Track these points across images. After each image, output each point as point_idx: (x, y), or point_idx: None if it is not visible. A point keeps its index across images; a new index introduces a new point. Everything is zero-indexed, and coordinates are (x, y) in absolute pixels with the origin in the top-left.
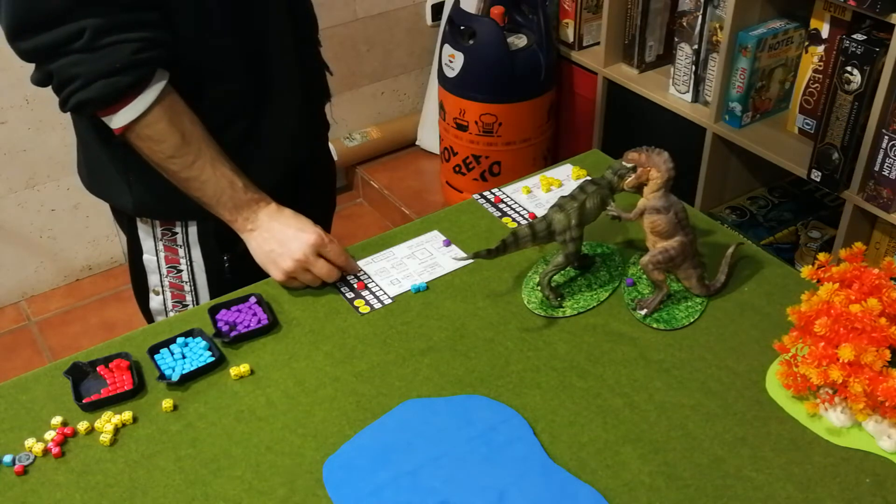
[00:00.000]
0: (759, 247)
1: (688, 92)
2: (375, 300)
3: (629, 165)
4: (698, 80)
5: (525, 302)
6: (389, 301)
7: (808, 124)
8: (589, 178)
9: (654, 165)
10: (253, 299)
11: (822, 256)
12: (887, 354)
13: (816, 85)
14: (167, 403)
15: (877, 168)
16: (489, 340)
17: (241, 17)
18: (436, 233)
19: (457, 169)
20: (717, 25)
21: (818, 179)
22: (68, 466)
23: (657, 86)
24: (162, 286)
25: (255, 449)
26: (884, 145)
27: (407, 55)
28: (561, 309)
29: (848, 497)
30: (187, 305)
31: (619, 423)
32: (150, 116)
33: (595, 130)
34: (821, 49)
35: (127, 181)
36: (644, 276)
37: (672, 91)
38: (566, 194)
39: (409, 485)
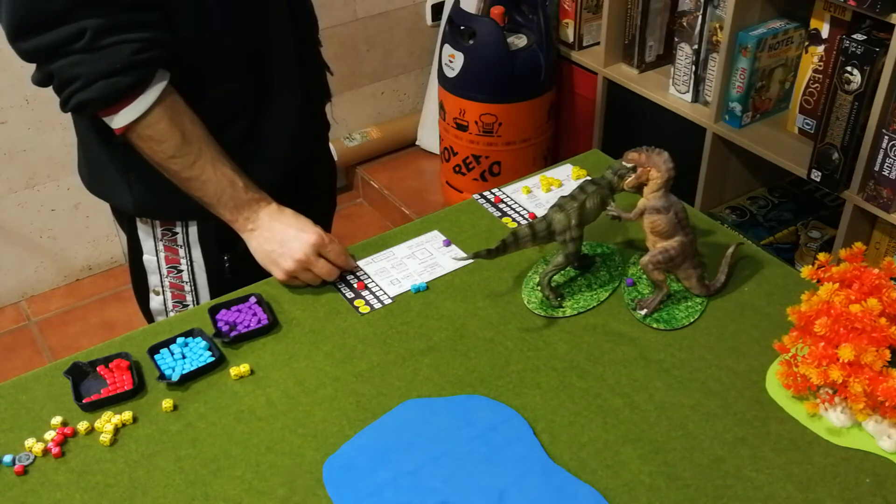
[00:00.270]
0: (759, 247)
1: (688, 92)
2: (375, 300)
3: (629, 165)
4: (698, 80)
5: (525, 302)
6: (389, 301)
7: (808, 124)
8: (589, 178)
9: (654, 165)
10: (253, 299)
11: (822, 256)
12: (887, 354)
13: (816, 85)
14: (167, 403)
15: (877, 168)
16: (489, 340)
17: (241, 17)
18: (436, 233)
19: (457, 169)
20: (717, 25)
21: (818, 179)
22: (68, 466)
23: (657, 86)
24: (162, 286)
25: (255, 449)
26: (884, 145)
27: (407, 55)
28: (561, 309)
29: (848, 497)
30: (187, 305)
31: (619, 423)
32: (151, 117)
33: (595, 130)
34: (821, 49)
35: (127, 181)
36: (644, 276)
37: (672, 91)
38: (566, 194)
39: (409, 485)
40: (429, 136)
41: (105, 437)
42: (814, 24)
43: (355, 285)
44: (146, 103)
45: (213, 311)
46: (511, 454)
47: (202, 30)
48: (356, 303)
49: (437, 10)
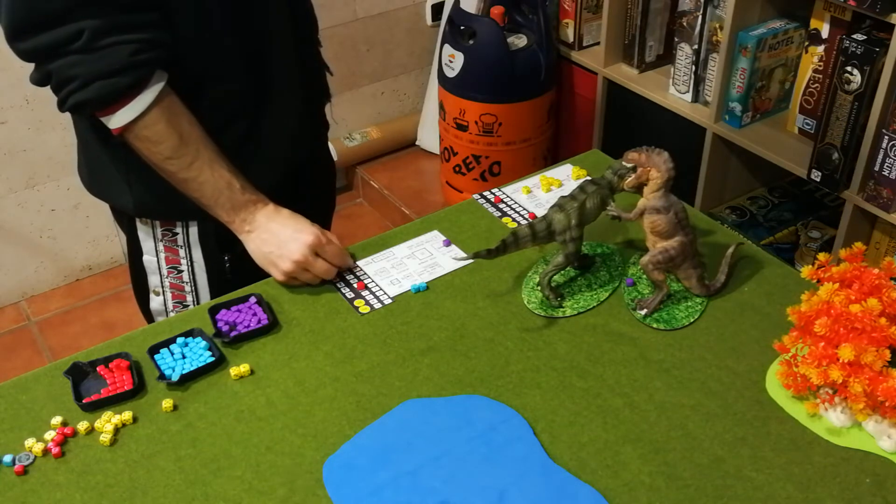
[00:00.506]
0: (759, 247)
1: (688, 92)
2: (375, 300)
3: (629, 165)
4: (698, 80)
5: (525, 302)
6: (389, 301)
7: (808, 124)
8: (589, 178)
9: (654, 165)
10: (253, 299)
11: (822, 256)
12: (887, 354)
13: (816, 85)
14: (167, 403)
15: (877, 168)
16: (489, 340)
17: (241, 17)
18: (436, 233)
19: (457, 169)
20: (717, 25)
21: (818, 179)
22: (68, 466)
23: (657, 86)
24: (162, 287)
25: (255, 449)
26: (884, 145)
27: (407, 55)
28: (561, 309)
29: (848, 497)
30: (188, 306)
31: (619, 423)
32: (148, 117)
33: (595, 130)
34: (821, 49)
35: (127, 181)
36: (644, 276)
37: (672, 91)
38: (566, 194)
39: (409, 485)
40: (429, 136)
41: (105, 437)
42: (814, 24)
43: (355, 285)
44: (143, 104)
45: (213, 311)
46: (511, 454)
47: (202, 30)
48: (356, 303)
49: (437, 10)
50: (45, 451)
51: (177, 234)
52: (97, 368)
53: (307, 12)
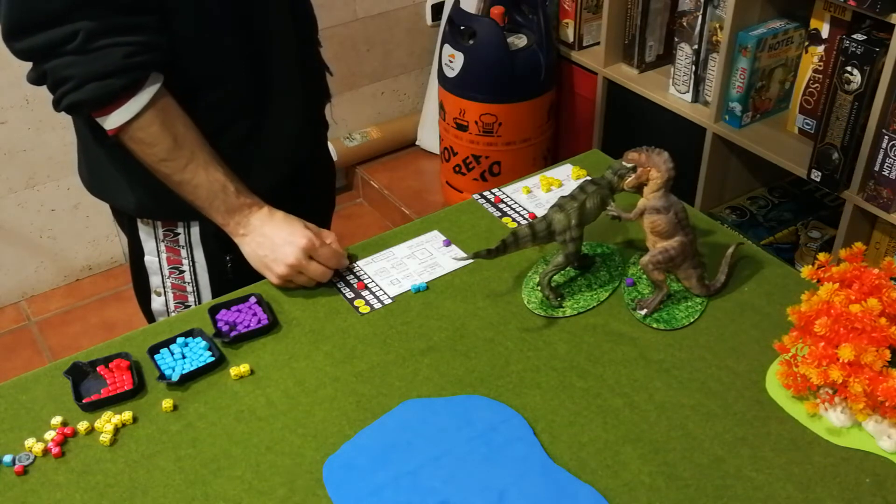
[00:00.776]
0: (759, 247)
1: (688, 92)
2: (375, 300)
3: (629, 165)
4: (698, 80)
5: (525, 302)
6: (389, 301)
7: (808, 124)
8: (589, 178)
9: (654, 165)
10: (253, 299)
11: (822, 256)
12: (887, 354)
13: (816, 85)
14: (167, 403)
15: (877, 168)
16: (489, 340)
17: (241, 17)
18: (436, 233)
19: (457, 169)
20: (717, 25)
21: (818, 179)
22: (68, 466)
23: (657, 86)
24: (164, 287)
25: (255, 449)
26: (884, 145)
27: (407, 55)
28: (561, 309)
29: (848, 497)
30: (189, 306)
31: (619, 423)
32: (143, 119)
33: (595, 130)
34: (821, 49)
35: (129, 182)
36: (644, 276)
37: (672, 91)
38: (566, 194)
39: (409, 485)
40: (429, 136)
41: (105, 437)
42: (814, 24)
43: (355, 285)
44: (138, 106)
45: (213, 311)
46: (511, 454)
47: (202, 30)
48: (356, 303)
49: (437, 10)
50: (45, 451)
51: (178, 234)
52: (97, 368)
53: (307, 12)
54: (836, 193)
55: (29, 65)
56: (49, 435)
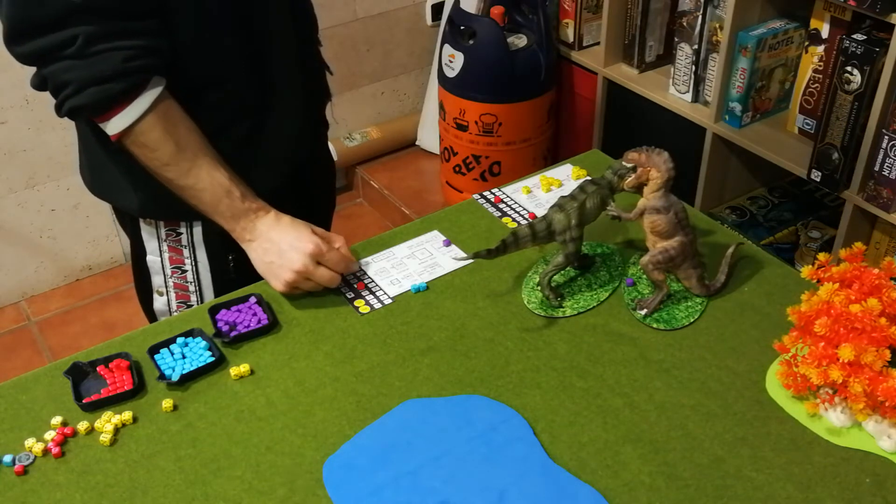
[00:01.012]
0: (759, 247)
1: (688, 92)
2: (375, 300)
3: (629, 165)
4: (698, 80)
5: (525, 302)
6: (389, 301)
7: (808, 124)
8: (589, 178)
9: (654, 165)
10: (253, 299)
11: (822, 256)
12: (887, 354)
13: (816, 85)
14: (167, 403)
15: (877, 168)
16: (489, 340)
17: (241, 18)
18: (436, 233)
19: (457, 169)
20: (717, 25)
21: (818, 179)
22: (68, 466)
23: (657, 86)
24: (166, 287)
25: (255, 449)
26: (884, 145)
27: (407, 55)
28: (561, 309)
29: (848, 497)
30: (192, 305)
31: (619, 423)
32: (144, 124)
33: (595, 130)
34: (821, 49)
35: (131, 182)
36: (644, 276)
37: (672, 91)
38: (566, 194)
39: (409, 485)
40: (429, 136)
41: (105, 437)
42: (814, 24)
43: (355, 285)
44: (138, 111)
45: (213, 311)
46: (511, 454)
47: (203, 31)
48: (356, 303)
49: (437, 10)
50: (45, 451)
51: (181, 233)
52: (97, 368)
53: (307, 12)
54: (836, 193)
55: (32, 69)
56: (49, 435)
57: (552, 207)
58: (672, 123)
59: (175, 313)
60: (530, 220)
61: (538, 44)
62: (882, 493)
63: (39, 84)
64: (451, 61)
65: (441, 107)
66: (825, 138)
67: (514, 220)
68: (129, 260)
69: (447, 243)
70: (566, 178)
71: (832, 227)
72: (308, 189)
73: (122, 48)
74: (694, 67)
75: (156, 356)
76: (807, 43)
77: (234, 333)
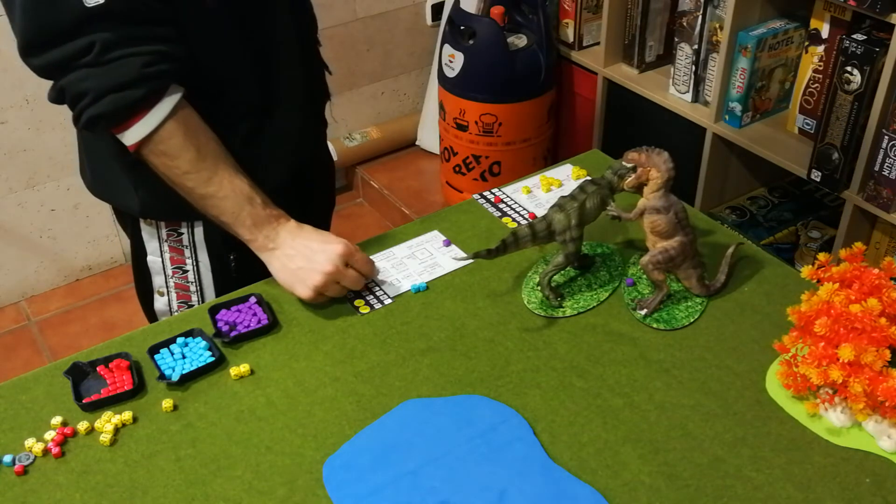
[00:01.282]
0: (759, 247)
1: (688, 92)
2: (375, 300)
3: (629, 165)
4: (698, 80)
5: (525, 302)
6: (389, 301)
7: (808, 124)
8: (589, 178)
9: (654, 165)
10: (253, 299)
11: (822, 256)
12: (887, 354)
13: (816, 85)
14: (167, 403)
15: (877, 168)
16: (489, 340)
17: (246, 20)
18: (436, 233)
19: (457, 169)
20: (717, 25)
21: (818, 179)
22: (68, 466)
23: (657, 86)
24: (167, 287)
25: (255, 449)
26: (884, 145)
27: (407, 55)
28: (561, 309)
29: (848, 497)
30: (193, 306)
31: (619, 423)
32: (164, 131)
33: (595, 130)
34: (821, 49)
35: (133, 183)
36: (644, 276)
37: (672, 91)
38: (566, 194)
39: (409, 485)
40: (429, 136)
41: (105, 437)
42: (814, 24)
43: None
44: (158, 118)
45: (213, 311)
46: (511, 454)
47: (208, 34)
48: (356, 303)
49: (437, 10)
50: (45, 451)
51: (182, 233)
52: (97, 368)
53: (307, 12)
54: (836, 193)
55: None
56: (49, 435)
57: (552, 207)
58: (672, 123)
59: (176, 313)
60: (530, 220)
61: (538, 44)
62: (882, 493)
63: (57, 97)
64: (451, 61)
65: (441, 107)
66: (825, 138)
67: (514, 220)
68: (129, 260)
69: (447, 243)
70: (566, 178)
71: (832, 227)
72: (308, 189)
73: (141, 54)
74: (694, 67)
75: (156, 356)
76: (807, 43)
77: (234, 333)
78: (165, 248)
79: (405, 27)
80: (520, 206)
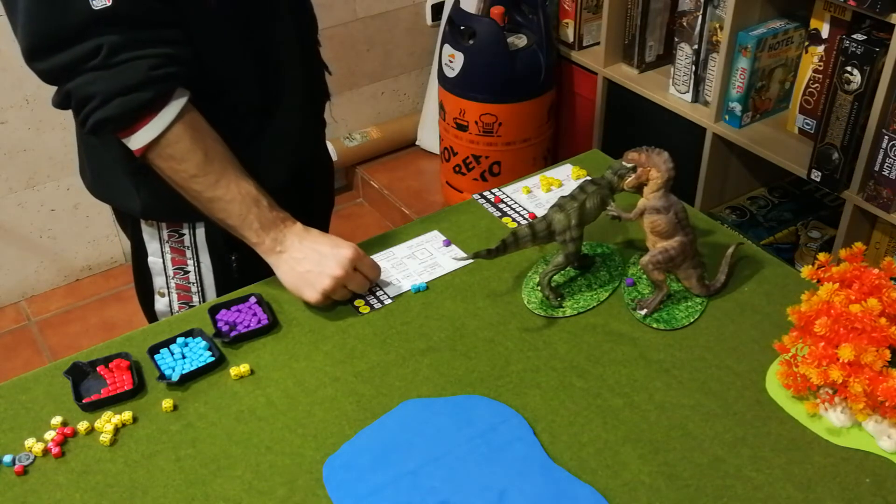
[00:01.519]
0: (759, 247)
1: (688, 92)
2: (375, 300)
3: (629, 165)
4: (698, 80)
5: (525, 302)
6: (389, 301)
7: (808, 124)
8: (589, 178)
9: (654, 165)
10: (253, 299)
11: (822, 256)
12: (887, 354)
13: (816, 85)
14: (167, 403)
15: (877, 168)
16: (489, 340)
17: (248, 21)
18: (436, 233)
19: (457, 169)
20: (717, 25)
21: (818, 179)
22: (68, 466)
23: (657, 86)
24: (168, 288)
25: (255, 449)
26: (884, 145)
27: (407, 55)
28: (561, 309)
29: (848, 497)
30: (193, 306)
31: (619, 423)
32: (172, 135)
33: (595, 130)
34: (821, 49)
35: (134, 184)
36: (644, 276)
37: (672, 91)
38: (566, 194)
39: (409, 485)
40: (429, 136)
41: (105, 437)
42: (814, 24)
43: None
44: (165, 121)
45: (213, 311)
46: (511, 454)
47: (211, 35)
48: (356, 303)
49: (437, 10)
50: (45, 451)
51: (183, 234)
52: (97, 368)
53: (308, 13)
54: (836, 193)
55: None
56: (49, 435)
57: (552, 207)
58: (672, 123)
59: (177, 314)
60: (530, 220)
61: (538, 44)
62: (882, 493)
63: (62, 101)
64: (451, 61)
65: (441, 107)
66: (825, 138)
67: (514, 220)
68: (130, 260)
69: (447, 243)
70: (566, 178)
71: (832, 227)
72: (308, 189)
73: (148, 56)
74: (694, 67)
75: (156, 356)
76: (807, 43)
77: (234, 333)
78: (167, 248)
79: (405, 27)
80: (520, 206)
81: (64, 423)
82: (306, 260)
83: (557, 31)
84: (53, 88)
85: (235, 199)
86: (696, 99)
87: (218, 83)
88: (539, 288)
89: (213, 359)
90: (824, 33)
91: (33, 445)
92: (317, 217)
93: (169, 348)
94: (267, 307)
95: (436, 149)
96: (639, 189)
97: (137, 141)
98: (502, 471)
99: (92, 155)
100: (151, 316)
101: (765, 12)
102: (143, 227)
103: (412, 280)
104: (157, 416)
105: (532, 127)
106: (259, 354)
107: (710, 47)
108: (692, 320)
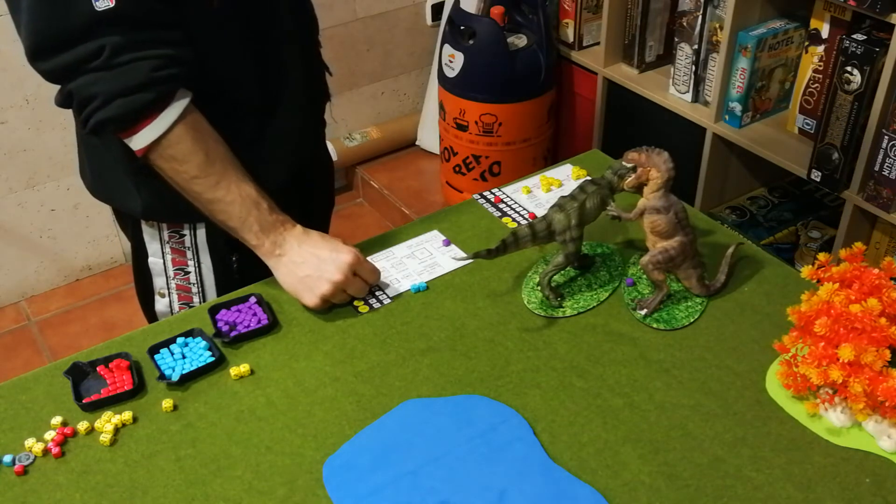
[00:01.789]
0: (759, 247)
1: (688, 92)
2: (375, 300)
3: (629, 165)
4: (698, 80)
5: (525, 302)
6: (389, 301)
7: (808, 124)
8: (589, 178)
9: (654, 165)
10: (253, 299)
11: (822, 256)
12: (887, 354)
13: (816, 85)
14: (167, 403)
15: (877, 168)
16: (489, 340)
17: (249, 21)
18: (436, 233)
19: (457, 169)
20: (717, 25)
21: (818, 179)
22: (68, 466)
23: (657, 86)
24: (168, 288)
25: (255, 449)
26: (884, 145)
27: (407, 55)
28: (561, 309)
29: (848, 497)
30: (194, 307)
31: (619, 423)
32: (173, 135)
33: (595, 130)
34: (821, 49)
35: (135, 184)
36: (644, 276)
37: (672, 91)
38: (566, 194)
39: (409, 485)
40: (429, 136)
41: (105, 437)
42: (814, 24)
43: None
44: (167, 122)
45: (213, 311)
46: (511, 454)
47: (213, 36)
48: (356, 303)
49: (437, 10)
50: (45, 451)
51: (184, 235)
52: (97, 368)
53: (308, 13)
54: (836, 193)
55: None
56: (49, 435)
57: (552, 207)
58: (672, 123)
59: (177, 314)
60: (530, 220)
61: (538, 44)
62: (882, 493)
63: (63, 101)
64: (451, 61)
65: (441, 107)
66: (825, 138)
67: (514, 220)
68: (130, 260)
69: (447, 243)
70: (566, 178)
71: (832, 227)
72: (308, 189)
73: (150, 58)
74: (694, 67)
75: (156, 356)
76: (807, 43)
77: (234, 333)
78: (167, 249)
79: (405, 27)
80: (520, 206)
81: (64, 423)
82: (305, 264)
83: (557, 31)
84: (54, 88)
85: (236, 200)
86: (696, 99)
87: (218, 83)
88: (539, 288)
89: (213, 359)
90: (824, 33)
91: (33, 445)
92: (317, 217)
93: (169, 348)
94: (267, 307)
95: (436, 149)
96: (639, 189)
97: (139, 141)
98: (502, 471)
99: (92, 155)
100: (151, 316)
101: (765, 12)
102: (144, 227)
103: (412, 280)
104: (157, 416)
105: (532, 127)
106: (259, 354)
107: (710, 47)
108: (692, 320)
